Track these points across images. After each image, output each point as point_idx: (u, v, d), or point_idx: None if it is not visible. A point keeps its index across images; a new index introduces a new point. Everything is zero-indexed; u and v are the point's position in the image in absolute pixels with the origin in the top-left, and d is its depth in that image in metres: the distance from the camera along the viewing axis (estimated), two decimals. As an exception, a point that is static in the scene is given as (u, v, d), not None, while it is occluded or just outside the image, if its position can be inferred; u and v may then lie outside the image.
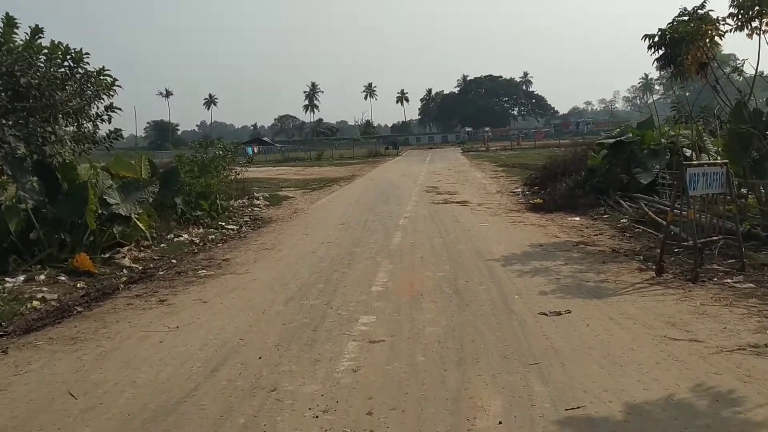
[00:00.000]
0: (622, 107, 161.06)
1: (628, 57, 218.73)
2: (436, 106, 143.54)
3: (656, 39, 10.15)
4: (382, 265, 8.84)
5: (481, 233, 11.22)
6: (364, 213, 15.42)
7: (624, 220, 11.82)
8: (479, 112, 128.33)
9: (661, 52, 10.17)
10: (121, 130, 10.98)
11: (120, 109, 10.51)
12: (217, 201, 16.50)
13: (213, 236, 13.25)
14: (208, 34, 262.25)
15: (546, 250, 9.43)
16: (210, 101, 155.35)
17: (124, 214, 10.63)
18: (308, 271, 8.80)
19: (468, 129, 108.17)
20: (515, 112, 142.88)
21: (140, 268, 10.14)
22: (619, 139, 14.53)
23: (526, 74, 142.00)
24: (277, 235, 12.91)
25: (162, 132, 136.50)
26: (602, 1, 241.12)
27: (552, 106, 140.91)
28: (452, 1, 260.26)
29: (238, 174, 22.52)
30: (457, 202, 16.74)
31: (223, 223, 15.30)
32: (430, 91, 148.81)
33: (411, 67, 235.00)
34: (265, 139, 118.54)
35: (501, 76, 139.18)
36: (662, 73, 10.38)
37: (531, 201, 16.65)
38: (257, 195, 22.26)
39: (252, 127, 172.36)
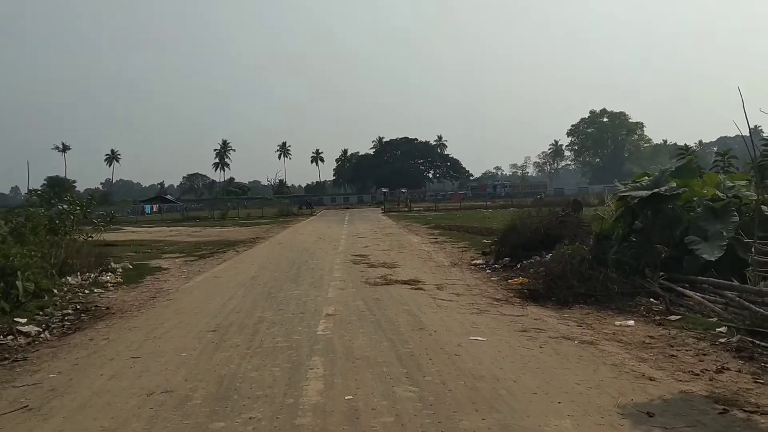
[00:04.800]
0: (533, 172, 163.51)
1: (539, 123, 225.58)
2: (352, 167, 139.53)
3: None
4: None
5: (489, 369, 5.49)
6: (258, 304, 9.45)
7: (722, 330, 6.57)
8: (395, 174, 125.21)
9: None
10: None
11: None
12: (18, 282, 10.09)
13: (-30, 354, 7.03)
14: (110, 87, 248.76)
15: (672, 428, 3.89)
16: (112, 157, 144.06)
17: None
18: None
19: (384, 190, 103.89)
20: (430, 175, 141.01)
21: None
22: (655, 191, 9.46)
23: (440, 138, 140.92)
24: (86, 356, 6.75)
25: (58, 189, 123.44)
26: (514, 73, 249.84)
27: (466, 169, 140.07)
28: (368, 64, 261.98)
29: (89, 237, 16.16)
30: (404, 282, 11.09)
31: (21, 321, 9.10)
32: (345, 151, 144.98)
33: (326, 127, 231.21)
34: (168, 197, 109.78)
35: (416, 139, 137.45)
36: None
37: (509, 280, 11.33)
38: (116, 266, 15.79)
39: (159, 186, 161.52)
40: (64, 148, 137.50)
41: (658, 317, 7.45)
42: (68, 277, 13.71)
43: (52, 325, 9.04)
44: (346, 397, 4.70)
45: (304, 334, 7.04)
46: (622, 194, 10.15)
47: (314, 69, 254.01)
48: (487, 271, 12.81)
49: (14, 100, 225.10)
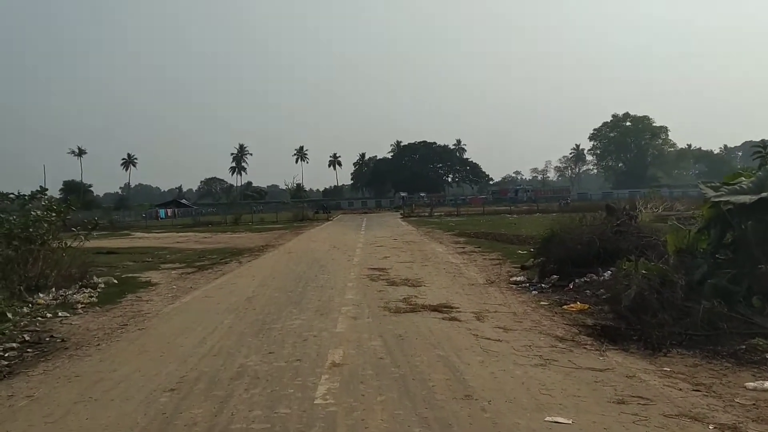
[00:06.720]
0: (554, 177, 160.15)
1: (562, 128, 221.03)
2: (369, 171, 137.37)
3: None
4: None
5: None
6: (245, 341, 7.27)
7: None
8: (413, 178, 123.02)
9: None
10: None
11: None
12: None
13: None
14: (130, 89, 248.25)
15: None
16: (128, 162, 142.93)
17: None
18: None
19: (403, 194, 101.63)
20: (449, 179, 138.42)
21: None
22: (763, 195, 7.17)
23: (459, 141, 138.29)
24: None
25: (74, 194, 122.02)
26: (536, 76, 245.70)
27: (486, 173, 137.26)
28: (386, 69, 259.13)
29: (67, 245, 14.12)
30: (433, 309, 8.85)
31: (-57, 360, 7.11)
32: (363, 155, 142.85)
33: (343, 131, 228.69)
34: (183, 201, 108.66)
35: (435, 143, 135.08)
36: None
37: (564, 305, 9.11)
38: (98, 281, 13.86)
39: (177, 190, 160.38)
40: (80, 153, 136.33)
41: (805, 376, 5.17)
42: (41, 294, 11.83)
43: (-24, 369, 6.98)
44: None
45: (295, 403, 4.81)
46: (716, 200, 7.82)
47: (330, 74, 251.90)
48: (533, 292, 10.56)
49: (29, 103, 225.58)
